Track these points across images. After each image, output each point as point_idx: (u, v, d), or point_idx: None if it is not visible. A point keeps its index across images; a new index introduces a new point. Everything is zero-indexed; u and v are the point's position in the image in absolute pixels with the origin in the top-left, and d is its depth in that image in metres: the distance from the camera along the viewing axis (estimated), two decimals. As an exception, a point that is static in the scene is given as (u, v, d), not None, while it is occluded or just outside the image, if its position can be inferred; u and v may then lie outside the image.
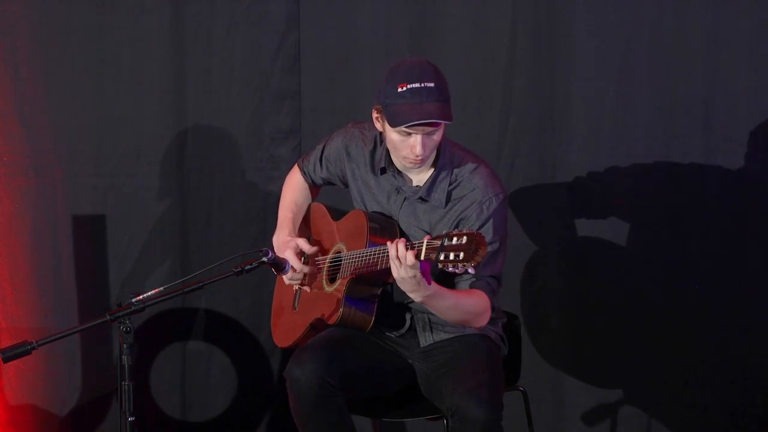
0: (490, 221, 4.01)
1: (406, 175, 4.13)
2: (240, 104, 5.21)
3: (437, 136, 3.97)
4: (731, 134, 4.95)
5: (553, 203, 5.08)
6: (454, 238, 3.65)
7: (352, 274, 4.04)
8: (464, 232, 3.65)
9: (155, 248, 5.24)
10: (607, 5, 4.99)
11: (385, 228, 4.08)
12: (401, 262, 3.76)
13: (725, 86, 4.95)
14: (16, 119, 5.16)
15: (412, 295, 3.85)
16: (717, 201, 4.99)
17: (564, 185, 5.07)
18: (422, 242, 3.74)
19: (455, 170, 4.07)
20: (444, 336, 4.16)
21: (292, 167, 4.47)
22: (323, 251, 4.27)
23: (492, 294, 4.01)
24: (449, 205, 4.06)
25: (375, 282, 4.07)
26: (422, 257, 3.74)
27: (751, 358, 5.01)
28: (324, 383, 3.94)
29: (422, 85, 3.91)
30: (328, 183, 4.39)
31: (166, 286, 3.83)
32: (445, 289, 3.91)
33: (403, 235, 4.09)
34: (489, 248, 3.92)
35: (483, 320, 4.02)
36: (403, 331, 4.19)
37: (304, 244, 4.22)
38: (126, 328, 3.72)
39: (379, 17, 5.12)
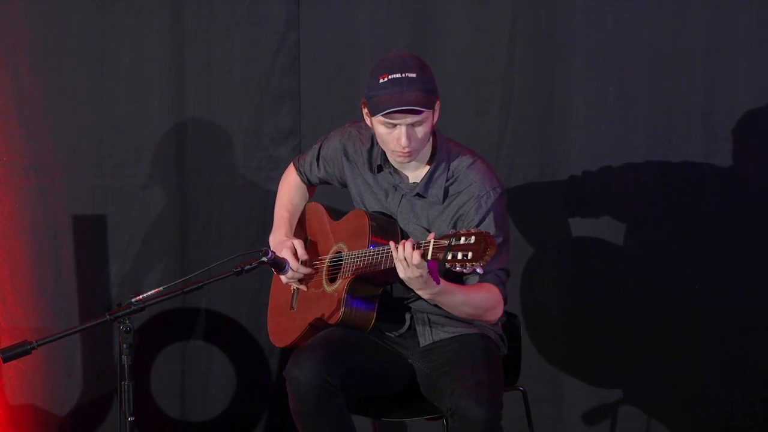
0: (490, 215, 4.00)
1: (403, 173, 4.13)
2: (240, 104, 5.21)
3: (423, 128, 3.96)
4: (731, 134, 4.95)
5: (552, 203, 5.08)
6: (462, 238, 3.65)
7: (353, 273, 4.04)
8: (472, 231, 3.65)
9: (155, 248, 5.24)
10: (607, 5, 4.99)
11: (386, 228, 4.08)
12: (408, 262, 3.76)
13: (725, 86, 4.95)
14: (16, 119, 5.15)
15: (420, 293, 3.85)
16: (717, 201, 4.99)
17: (564, 185, 5.07)
18: (429, 242, 3.74)
19: (452, 166, 4.07)
20: (444, 336, 4.16)
21: (288, 166, 4.47)
22: (320, 251, 4.27)
23: (502, 286, 4.01)
24: (447, 200, 4.06)
25: (376, 282, 4.06)
26: (429, 257, 3.73)
27: (750, 358, 5.01)
28: (324, 383, 3.94)
29: (403, 75, 3.92)
30: (325, 182, 4.39)
31: (165, 286, 3.83)
32: (454, 285, 3.90)
33: (404, 234, 4.09)
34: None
35: (496, 313, 4.01)
36: (402, 330, 4.19)
37: (300, 247, 4.21)
38: (126, 328, 3.71)
39: (379, 17, 5.12)
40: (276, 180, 4.54)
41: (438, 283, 3.82)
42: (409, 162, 4.05)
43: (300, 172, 4.40)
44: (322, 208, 4.36)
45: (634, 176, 5.02)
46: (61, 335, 3.80)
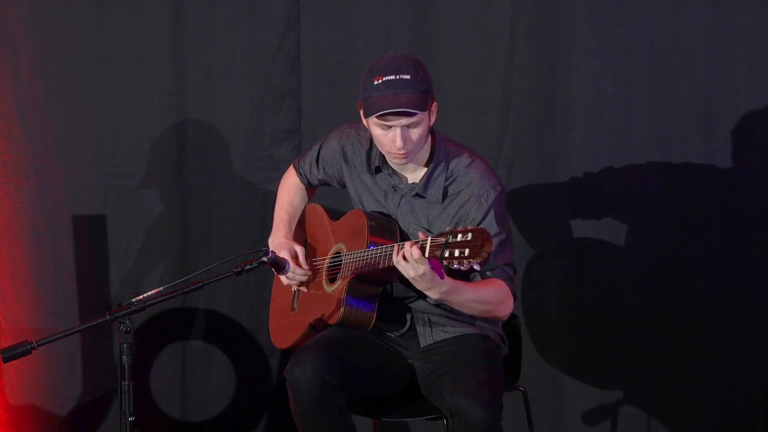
0: (491, 212, 4.01)
1: (402, 174, 4.13)
2: (240, 104, 5.21)
3: (418, 131, 3.96)
4: (731, 134, 4.95)
5: (552, 203, 5.08)
6: (459, 235, 3.65)
7: (352, 273, 4.04)
8: (469, 228, 3.65)
9: (155, 248, 5.24)
10: (607, 5, 4.99)
11: (385, 227, 4.08)
12: (408, 261, 3.76)
13: (725, 86, 4.95)
14: (16, 119, 5.15)
15: (429, 293, 3.85)
16: (717, 201, 4.99)
17: (564, 185, 5.07)
18: (426, 239, 3.74)
19: (451, 166, 4.07)
20: (444, 336, 4.16)
21: (288, 167, 4.47)
22: (320, 252, 4.27)
23: (510, 281, 4.01)
24: (447, 200, 4.06)
25: (376, 281, 4.06)
26: (427, 254, 3.73)
27: (750, 358, 5.01)
28: (324, 383, 3.94)
29: (397, 76, 3.92)
30: (325, 184, 4.39)
31: (165, 286, 3.83)
32: (461, 282, 3.90)
33: (402, 233, 4.09)
34: (496, 239, 3.93)
35: (506, 308, 4.01)
36: (403, 330, 4.19)
37: (300, 253, 4.21)
38: (126, 328, 3.71)
39: (379, 17, 5.12)
40: (276, 180, 4.54)
41: (443, 278, 3.81)
42: (405, 164, 4.05)
43: (300, 174, 4.40)
44: (322, 209, 4.36)
45: (634, 176, 5.02)
46: (61, 335, 3.80)
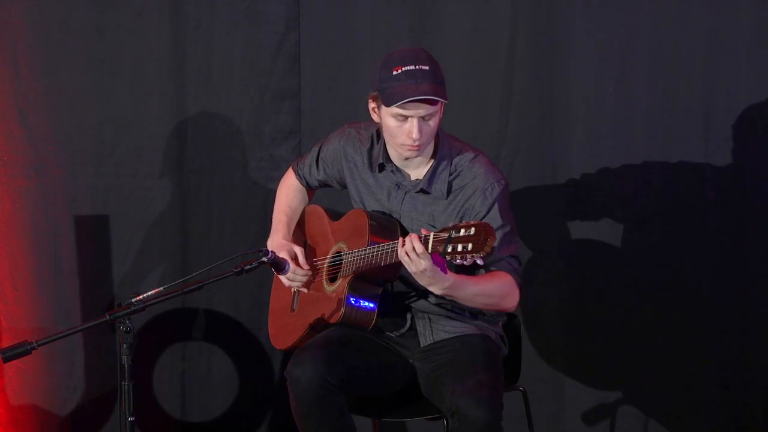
0: (496, 206, 4.01)
1: (405, 171, 4.13)
2: (240, 104, 5.21)
3: (433, 122, 3.97)
4: (731, 134, 4.95)
5: (552, 203, 5.08)
6: (462, 230, 3.65)
7: (353, 272, 4.04)
8: (471, 223, 3.65)
9: (155, 248, 5.24)
10: (607, 5, 4.99)
11: (385, 226, 4.08)
12: (410, 257, 3.76)
13: (725, 86, 4.95)
14: (16, 119, 5.15)
15: (432, 289, 3.85)
16: (717, 201, 4.99)
17: (564, 185, 5.08)
18: (429, 234, 3.74)
19: (454, 161, 4.08)
20: (444, 336, 4.16)
21: (287, 170, 4.47)
22: (320, 252, 4.27)
23: (515, 273, 4.01)
24: (451, 195, 4.07)
25: (377, 280, 4.06)
26: (429, 250, 3.73)
27: (750, 358, 5.01)
28: (324, 383, 3.94)
29: (417, 67, 3.93)
30: (324, 185, 4.39)
31: (166, 286, 3.83)
32: (465, 277, 3.90)
33: (406, 230, 4.09)
34: (500, 231, 3.94)
35: (512, 300, 4.01)
36: (403, 330, 4.19)
37: (300, 254, 4.21)
38: (126, 328, 3.71)
39: (379, 17, 5.13)
40: (276, 180, 4.54)
41: (446, 273, 3.81)
42: (416, 157, 4.05)
43: (299, 176, 4.40)
44: (322, 210, 4.36)
45: (634, 176, 5.02)
46: (61, 335, 3.80)
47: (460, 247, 3.65)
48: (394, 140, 4.02)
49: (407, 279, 4.02)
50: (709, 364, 5.03)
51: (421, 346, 4.17)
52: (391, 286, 4.13)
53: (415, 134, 3.95)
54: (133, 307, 3.75)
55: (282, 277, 4.22)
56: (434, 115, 3.97)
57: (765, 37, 4.91)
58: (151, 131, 5.21)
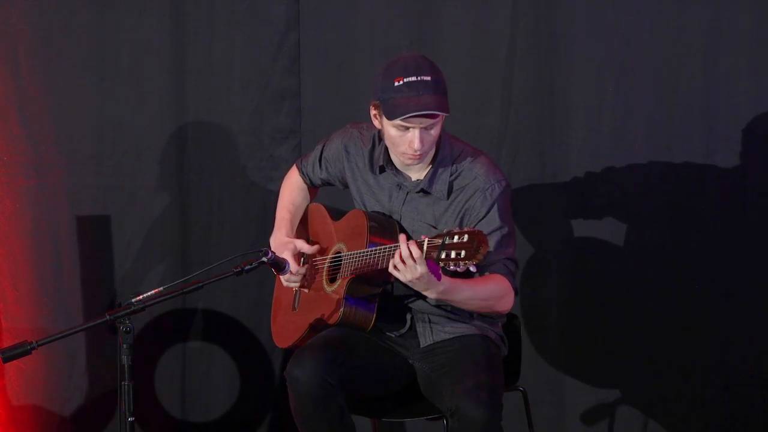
0: (495, 206, 4.01)
1: (406, 172, 4.13)
2: (240, 104, 5.22)
3: (435, 131, 3.98)
4: (731, 134, 4.95)
5: (552, 203, 5.09)
6: (455, 237, 3.65)
7: (352, 273, 4.04)
8: (465, 230, 3.65)
9: (155, 248, 5.24)
10: (607, 5, 4.99)
11: (385, 227, 4.08)
12: (406, 264, 3.76)
13: (725, 86, 4.95)
14: (16, 119, 5.16)
15: (427, 294, 3.85)
16: (717, 201, 4.99)
17: (564, 185, 5.08)
18: (423, 241, 3.74)
19: (455, 161, 4.08)
20: (444, 336, 4.16)
21: (291, 167, 4.47)
22: (322, 252, 4.27)
23: (511, 276, 4.01)
24: (452, 196, 4.07)
25: (376, 281, 4.06)
26: (423, 255, 3.73)
27: (750, 358, 5.01)
28: (324, 383, 3.94)
29: (419, 78, 3.92)
30: (327, 184, 4.39)
31: (165, 286, 3.83)
32: (459, 280, 3.89)
33: (407, 231, 4.09)
34: (498, 233, 3.95)
35: (506, 303, 4.01)
36: (403, 331, 4.19)
37: (303, 245, 4.22)
38: (126, 328, 3.71)
39: (379, 17, 5.13)
40: (276, 180, 4.55)
41: (439, 280, 3.81)
42: (418, 165, 4.06)
43: (303, 174, 4.40)
44: (324, 209, 4.36)
45: (634, 176, 5.02)
46: (61, 335, 3.80)
47: (453, 254, 3.65)
48: (396, 149, 4.03)
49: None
50: (708, 364, 5.03)
51: (421, 346, 4.17)
52: (392, 287, 4.13)
53: (416, 145, 3.95)
54: (133, 307, 3.75)
55: (282, 278, 4.22)
56: (436, 124, 3.97)
57: (765, 37, 4.91)
58: (151, 131, 5.21)
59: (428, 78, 3.92)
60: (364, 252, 3.99)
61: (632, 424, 5.10)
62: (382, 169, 4.15)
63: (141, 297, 3.76)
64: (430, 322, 4.17)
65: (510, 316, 4.36)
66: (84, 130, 5.19)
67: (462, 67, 5.08)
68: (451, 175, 4.07)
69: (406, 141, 3.97)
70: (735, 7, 4.90)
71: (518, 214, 5.05)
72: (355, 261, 4.02)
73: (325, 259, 4.22)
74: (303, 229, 4.41)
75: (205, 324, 5.31)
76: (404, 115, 3.90)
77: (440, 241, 3.68)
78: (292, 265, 4.16)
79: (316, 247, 4.23)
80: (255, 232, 5.23)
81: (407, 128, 3.95)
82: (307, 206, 4.43)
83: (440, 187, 4.07)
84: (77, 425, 5.25)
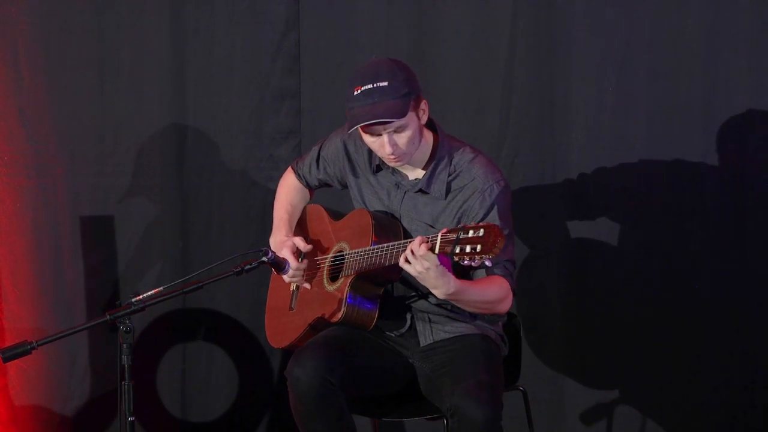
0: (495, 208, 4.01)
1: (403, 171, 4.13)
2: (240, 104, 5.22)
3: (406, 134, 3.96)
4: (731, 134, 4.95)
5: (552, 203, 5.08)
6: (471, 231, 3.65)
7: (356, 272, 4.04)
8: (481, 224, 3.65)
9: (155, 248, 5.24)
10: (607, 5, 4.99)
11: (388, 226, 4.08)
12: (414, 256, 3.75)
13: (725, 86, 4.94)
14: (16, 119, 5.16)
15: (435, 292, 3.84)
16: (717, 201, 4.99)
17: (564, 185, 5.08)
18: (437, 236, 3.74)
19: (453, 161, 4.08)
20: (444, 336, 4.16)
21: (287, 169, 4.47)
22: (321, 251, 4.27)
23: (511, 278, 4.01)
24: (450, 196, 4.06)
25: (378, 280, 4.06)
26: (437, 250, 3.73)
27: (750, 358, 5.01)
28: (325, 382, 3.94)
29: (374, 85, 3.92)
30: (324, 184, 4.39)
31: (165, 286, 3.83)
32: (467, 282, 3.89)
33: (406, 232, 4.09)
34: None
35: (506, 305, 4.01)
36: (403, 330, 4.19)
37: (300, 242, 4.22)
38: (126, 328, 3.72)
39: (379, 17, 5.13)
40: (276, 180, 4.54)
41: (451, 279, 3.80)
42: (402, 165, 4.06)
43: (299, 176, 4.40)
44: (322, 209, 4.36)
45: (634, 176, 5.02)
46: (61, 335, 3.81)
47: (468, 248, 3.65)
48: (376, 153, 4.04)
49: (408, 280, 4.02)
50: (708, 364, 5.03)
51: (421, 346, 4.17)
52: (392, 287, 4.14)
53: (387, 149, 3.96)
54: (133, 307, 3.75)
55: (284, 276, 4.22)
56: (406, 126, 3.95)
57: (765, 37, 4.91)
58: (151, 131, 5.21)
59: (384, 83, 3.91)
60: (368, 250, 3.99)
61: (632, 424, 5.10)
62: (378, 168, 4.15)
63: (141, 297, 3.77)
64: (430, 321, 4.17)
65: (510, 316, 4.36)
66: (84, 130, 5.19)
67: (462, 67, 5.08)
68: (449, 175, 4.07)
69: (378, 146, 3.99)
70: (735, 7, 4.90)
71: (518, 214, 5.03)
72: (360, 259, 4.02)
73: (326, 258, 4.22)
74: (301, 230, 4.40)
75: (205, 324, 5.31)
76: (357, 124, 3.91)
77: (455, 236, 3.67)
78: (292, 263, 4.15)
79: (310, 247, 4.23)
80: (255, 231, 5.23)
81: (379, 134, 3.95)
82: (305, 207, 4.43)
83: (438, 186, 4.06)
84: (78, 425, 5.26)
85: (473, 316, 4.16)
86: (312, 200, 4.45)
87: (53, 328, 5.08)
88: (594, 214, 5.07)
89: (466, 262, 3.66)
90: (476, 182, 4.03)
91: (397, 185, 4.13)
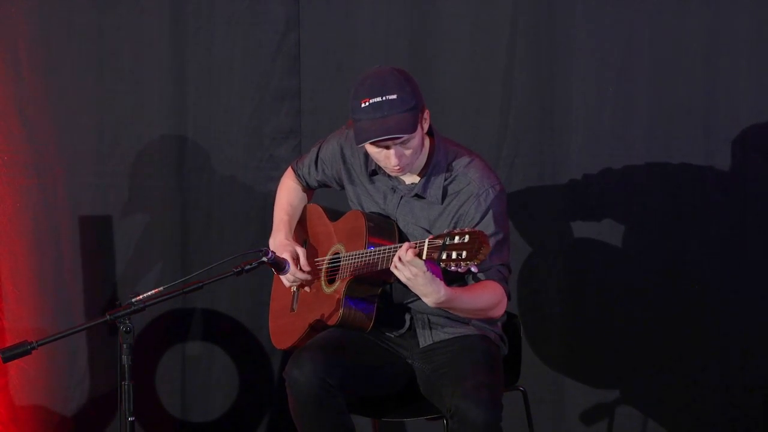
0: (490, 213, 4.00)
1: (399, 177, 4.12)
2: (240, 104, 5.22)
3: (412, 144, 3.95)
4: (731, 135, 4.95)
5: (552, 203, 5.08)
6: (456, 237, 3.64)
7: (351, 274, 4.04)
8: (466, 230, 3.65)
9: (155, 248, 5.24)
10: (607, 5, 4.99)
11: (383, 228, 4.08)
12: (402, 262, 3.76)
13: (725, 86, 4.94)
14: (17, 119, 5.16)
15: (426, 300, 3.83)
16: (717, 201, 4.99)
17: (564, 185, 5.08)
18: (424, 242, 3.73)
19: (450, 166, 4.07)
20: (444, 336, 4.16)
21: (287, 169, 4.47)
22: (321, 252, 4.27)
23: (504, 282, 4.01)
24: (446, 200, 4.06)
25: (374, 282, 4.06)
26: (424, 256, 3.73)
27: (750, 359, 5.01)
28: (323, 384, 3.94)
29: (384, 98, 3.90)
30: (323, 185, 4.39)
31: (165, 286, 3.83)
32: (458, 290, 3.89)
33: (402, 234, 4.09)
34: (494, 239, 3.94)
35: (500, 310, 4.01)
36: (402, 331, 4.19)
37: (302, 257, 4.20)
38: (126, 328, 3.72)
39: (379, 17, 5.13)
40: (276, 180, 4.54)
41: (441, 287, 3.79)
42: (404, 174, 4.06)
43: (298, 176, 4.40)
44: (321, 209, 4.36)
45: (634, 176, 5.02)
46: (61, 335, 3.80)
47: (454, 255, 3.64)
48: (378, 163, 4.03)
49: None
50: (708, 364, 5.03)
51: (421, 346, 4.17)
52: (391, 287, 4.13)
53: (393, 161, 3.95)
54: (133, 307, 3.75)
55: (282, 277, 4.22)
56: (411, 139, 3.94)
57: (765, 37, 4.91)
58: (151, 131, 5.21)
59: (393, 96, 3.90)
60: (363, 253, 3.99)
61: (632, 425, 5.10)
62: (374, 173, 4.15)
63: (141, 297, 3.77)
64: (429, 322, 4.17)
65: (510, 316, 4.36)
66: (84, 130, 5.19)
67: (462, 68, 5.08)
68: (445, 180, 4.07)
69: (383, 158, 3.98)
70: (735, 7, 4.90)
71: (518, 214, 5.06)
72: (354, 262, 4.02)
73: (323, 261, 4.22)
74: (302, 230, 4.41)
75: (205, 324, 5.31)
76: (367, 140, 3.90)
77: (441, 242, 3.67)
78: (292, 267, 4.15)
79: (309, 268, 4.21)
80: (255, 232, 5.23)
81: (382, 146, 3.94)
82: (305, 207, 4.43)
83: (434, 191, 4.06)
84: (78, 425, 5.26)
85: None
86: (311, 200, 4.45)
87: (53, 329, 5.08)
88: (594, 214, 5.07)
89: (452, 268, 3.66)
90: (472, 186, 4.03)
91: (394, 189, 4.13)
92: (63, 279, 5.22)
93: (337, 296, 4.06)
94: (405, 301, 4.15)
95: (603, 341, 5.09)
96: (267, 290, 4.53)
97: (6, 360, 3.75)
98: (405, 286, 3.99)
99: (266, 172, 5.23)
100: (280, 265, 4.09)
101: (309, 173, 4.36)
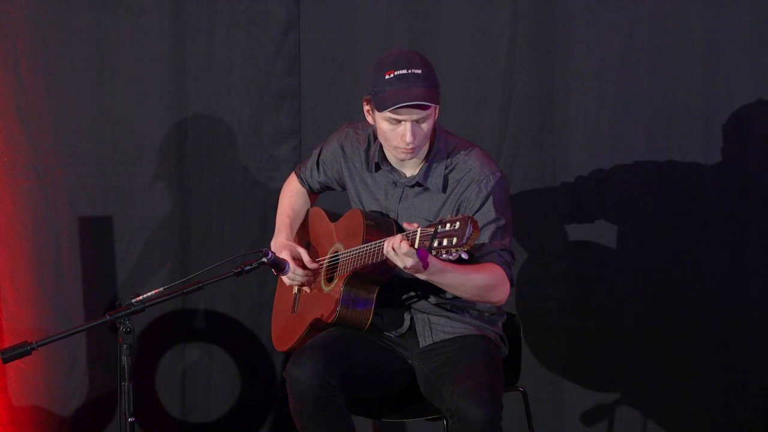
0: (490, 199, 4.00)
1: (401, 170, 4.13)
2: (240, 104, 5.22)
3: (427, 125, 3.97)
4: (731, 134, 4.95)
5: (552, 203, 5.09)
6: (447, 224, 3.64)
7: (349, 272, 4.04)
8: (457, 217, 3.64)
9: (156, 248, 5.24)
10: (607, 5, 4.99)
11: (381, 225, 4.08)
12: (396, 252, 3.75)
13: (725, 86, 4.95)
14: (16, 119, 5.16)
15: (419, 275, 3.82)
16: (717, 201, 4.99)
17: (564, 185, 5.08)
18: (416, 231, 3.73)
19: (450, 155, 4.08)
20: (444, 336, 4.16)
21: (292, 168, 4.48)
22: (321, 252, 4.27)
23: (507, 266, 3.99)
24: (448, 190, 4.06)
25: (372, 279, 4.06)
26: (417, 245, 3.72)
27: (750, 359, 5.01)
28: (324, 383, 3.94)
29: (410, 71, 3.91)
30: (327, 188, 4.39)
31: (165, 287, 3.83)
32: (451, 264, 3.85)
33: (400, 229, 4.08)
34: (493, 225, 3.94)
35: (501, 292, 3.98)
36: (402, 331, 4.19)
37: (305, 255, 4.21)
38: (126, 329, 3.71)
39: (379, 17, 5.13)
40: (276, 180, 4.55)
41: (427, 267, 3.78)
42: (411, 159, 4.05)
43: (301, 180, 4.40)
44: (322, 211, 4.37)
45: (634, 176, 5.02)
46: (60, 336, 3.80)
47: (445, 242, 3.63)
48: (389, 143, 4.02)
49: (407, 280, 4.02)
50: (708, 365, 5.03)
51: (421, 346, 4.17)
52: (390, 288, 4.13)
53: (408, 138, 3.95)
54: (133, 308, 3.74)
55: (284, 277, 4.22)
56: (428, 118, 3.96)
57: (765, 37, 4.91)
58: (151, 131, 5.21)
59: (419, 71, 3.92)
60: (360, 248, 3.99)
61: (632, 425, 5.10)
62: (377, 167, 4.15)
63: (141, 297, 3.76)
64: (429, 322, 4.17)
65: (510, 316, 4.36)
66: (84, 130, 5.19)
67: (462, 67, 5.08)
68: (446, 169, 4.07)
69: (397, 135, 3.97)
70: (735, 7, 4.90)
71: (517, 214, 5.04)
72: (351, 258, 4.02)
73: (323, 260, 4.22)
74: (304, 232, 4.41)
75: (205, 324, 5.31)
76: (393, 105, 3.90)
77: (432, 230, 3.67)
78: (293, 265, 4.15)
79: (315, 265, 4.22)
80: (255, 232, 5.23)
81: (399, 121, 3.94)
82: (308, 210, 4.43)
83: (435, 180, 4.06)
84: (78, 425, 5.26)
85: (473, 316, 4.15)
86: (314, 205, 4.45)
87: (53, 329, 5.09)
88: (594, 214, 5.07)
89: (443, 255, 3.64)
90: (472, 173, 4.03)
91: (395, 183, 4.13)
92: (63, 279, 5.22)
93: (336, 294, 4.06)
94: (405, 301, 4.15)
95: (603, 342, 5.09)
96: (267, 290, 4.53)
97: (6, 361, 3.75)
98: (405, 285, 3.99)
99: (266, 172, 5.23)
100: (279, 266, 4.09)
101: (311, 176, 4.37)
